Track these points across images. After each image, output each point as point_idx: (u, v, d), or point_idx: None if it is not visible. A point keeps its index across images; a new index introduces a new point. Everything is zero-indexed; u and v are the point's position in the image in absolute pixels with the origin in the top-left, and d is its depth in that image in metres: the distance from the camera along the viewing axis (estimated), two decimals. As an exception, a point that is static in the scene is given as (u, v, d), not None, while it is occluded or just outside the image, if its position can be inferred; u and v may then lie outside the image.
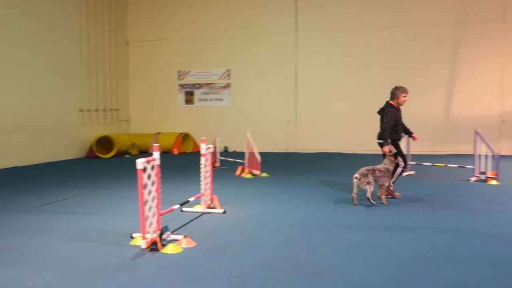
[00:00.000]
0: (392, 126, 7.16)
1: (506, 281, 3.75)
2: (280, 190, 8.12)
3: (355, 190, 6.78)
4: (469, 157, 10.49)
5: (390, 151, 7.04)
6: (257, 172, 9.78)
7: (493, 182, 8.60)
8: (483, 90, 14.14)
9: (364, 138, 14.60)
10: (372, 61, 14.95)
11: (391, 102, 7.36)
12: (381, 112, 7.36)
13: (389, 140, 7.13)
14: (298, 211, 6.42)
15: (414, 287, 3.63)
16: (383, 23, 14.79)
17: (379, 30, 14.83)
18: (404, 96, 7.30)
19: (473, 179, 8.94)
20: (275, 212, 6.36)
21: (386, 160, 6.96)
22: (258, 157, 9.68)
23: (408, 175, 9.73)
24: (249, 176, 9.64)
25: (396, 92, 7.31)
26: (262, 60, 15.91)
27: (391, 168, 6.94)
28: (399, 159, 7.09)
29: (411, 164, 10.22)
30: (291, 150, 15.72)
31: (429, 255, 4.39)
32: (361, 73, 15.05)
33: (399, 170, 7.22)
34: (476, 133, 9.00)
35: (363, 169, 6.80)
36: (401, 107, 7.47)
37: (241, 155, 12.10)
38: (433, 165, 10.50)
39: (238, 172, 9.97)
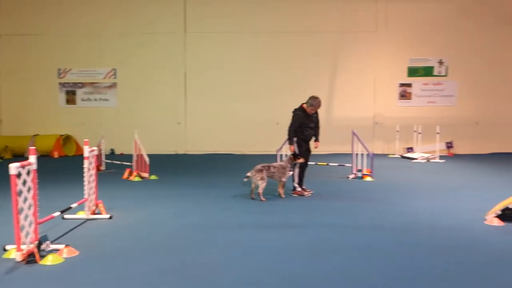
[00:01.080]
0: (298, 127, 7.61)
1: (384, 269, 4.10)
2: (170, 192, 7.99)
3: (252, 185, 7.18)
4: (348, 156, 11.28)
5: (295, 152, 7.46)
6: (145, 174, 9.51)
7: (368, 178, 9.36)
8: (359, 94, 15.35)
9: (252, 139, 15.02)
10: (261, 65, 15.41)
11: (304, 106, 7.78)
12: (293, 112, 7.83)
13: (294, 139, 7.56)
14: (189, 213, 6.37)
15: (301, 279, 3.80)
16: (272, 29, 15.31)
17: (268, 35, 15.33)
18: (311, 110, 7.71)
19: (351, 176, 9.65)
20: (165, 215, 6.24)
21: (287, 158, 7.44)
22: (147, 159, 9.42)
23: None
24: (137, 179, 9.34)
25: (310, 101, 7.73)
26: (151, 60, 15.53)
27: (287, 165, 7.35)
28: (301, 160, 7.49)
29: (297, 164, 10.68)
30: (180, 151, 15.56)
31: (315, 249, 4.64)
32: (250, 76, 15.43)
33: (297, 170, 7.62)
34: (353, 133, 9.74)
35: (258, 166, 7.17)
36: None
37: (129, 157, 11.67)
38: (316, 164, 11.11)
39: (125, 175, 9.60)
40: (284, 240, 4.95)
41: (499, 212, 5.83)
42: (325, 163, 11.20)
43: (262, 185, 7.03)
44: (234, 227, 5.57)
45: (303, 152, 7.67)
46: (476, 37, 15.20)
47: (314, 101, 7.70)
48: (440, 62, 15.40)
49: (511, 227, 5.55)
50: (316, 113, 7.86)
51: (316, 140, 7.93)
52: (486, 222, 5.76)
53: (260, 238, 5.05)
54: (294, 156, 7.46)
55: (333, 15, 15.37)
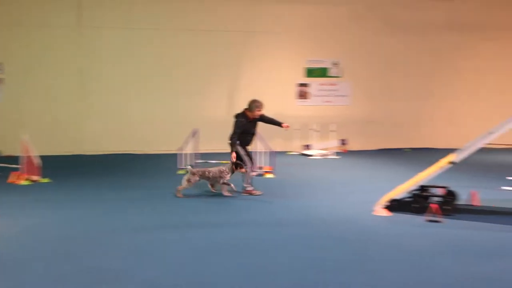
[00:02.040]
0: (241, 133, 7.60)
1: (294, 264, 4.22)
2: (63, 196, 7.50)
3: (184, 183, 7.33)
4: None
5: (236, 160, 7.44)
6: (36, 177, 8.84)
7: (270, 175, 9.61)
8: (261, 93, 15.61)
9: (153, 138, 14.66)
10: (162, 63, 15.04)
11: (247, 112, 7.74)
12: (235, 117, 7.77)
13: (238, 147, 7.54)
14: (83, 218, 6.04)
15: (205, 279, 3.79)
16: (173, 26, 15.01)
17: (170, 32, 15.01)
18: (258, 111, 7.71)
19: (253, 173, 9.82)
20: (57, 221, 5.85)
21: (227, 165, 7.41)
22: (37, 160, 8.76)
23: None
24: (26, 182, 8.64)
25: (252, 105, 7.71)
26: (43, 55, 14.41)
27: (225, 169, 7.36)
28: (243, 170, 7.49)
29: (200, 163, 10.65)
30: (77, 152, 14.68)
31: (220, 248, 4.65)
32: (151, 73, 14.99)
33: (245, 170, 7.59)
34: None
35: (194, 170, 7.37)
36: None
37: (16, 159, 10.77)
38: (220, 162, 11.13)
39: (12, 178, 8.83)
40: (186, 241, 4.90)
41: (387, 203, 6.32)
42: (226, 161, 11.26)
43: (185, 185, 7.20)
44: (137, 229, 5.39)
45: (242, 157, 7.68)
46: (367, 41, 16.27)
47: (257, 103, 7.74)
48: (335, 64, 16.26)
49: (398, 217, 6.04)
50: (261, 117, 7.87)
51: (281, 125, 8.01)
52: (374, 213, 6.21)
53: (168, 240, 4.95)
54: (236, 165, 7.43)
55: (235, 15, 15.51)
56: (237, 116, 7.81)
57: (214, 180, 7.36)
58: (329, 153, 13.89)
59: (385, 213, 6.19)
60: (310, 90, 16.11)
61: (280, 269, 4.06)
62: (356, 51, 16.26)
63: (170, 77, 15.01)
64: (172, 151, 11.21)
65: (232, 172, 7.45)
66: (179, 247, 4.66)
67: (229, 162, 7.54)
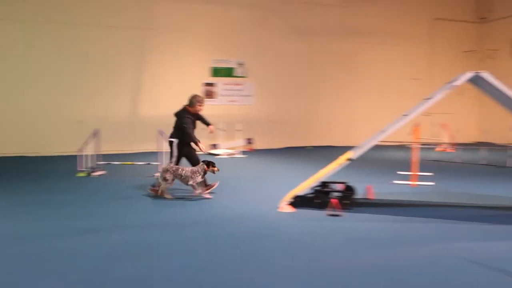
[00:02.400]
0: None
1: (196, 264, 4.16)
2: None
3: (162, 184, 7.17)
4: (155, 155, 11.20)
5: (210, 162, 7.26)
6: None
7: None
8: (166, 92, 15.36)
9: (52, 139, 13.72)
10: (60, 59, 14.10)
11: (189, 108, 7.52)
12: (178, 116, 7.52)
13: (196, 139, 7.43)
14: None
15: (117, 283, 3.61)
16: (70, 19, 14.11)
17: (67, 26, 14.09)
18: (200, 106, 7.55)
19: (157, 174, 9.58)
20: None
21: (200, 165, 7.16)
22: None
23: (100, 174, 9.67)
24: None
25: (193, 100, 7.55)
26: None
27: (198, 170, 7.09)
28: (217, 169, 7.33)
29: (101, 164, 10.16)
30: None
31: (124, 252, 4.46)
32: (46, 70, 13.98)
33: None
34: (160, 132, 9.71)
35: (167, 166, 7.20)
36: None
37: None
38: (122, 164, 10.75)
39: None
40: (80, 248, 4.64)
41: (291, 200, 6.52)
42: (132, 163, 10.92)
43: (164, 184, 7.06)
44: (15, 239, 4.99)
45: (194, 154, 7.56)
46: (271, 43, 16.70)
47: (198, 97, 7.60)
48: (240, 64, 16.46)
49: (301, 213, 6.26)
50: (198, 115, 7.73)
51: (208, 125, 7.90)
52: (279, 210, 6.38)
53: (51, 248, 4.63)
54: (208, 164, 7.19)
55: (138, 11, 15.03)
56: (180, 114, 7.61)
57: (185, 179, 7.11)
58: (236, 152, 14.03)
59: (290, 209, 6.38)
60: (216, 89, 16.14)
61: (180, 271, 4.00)
62: (260, 52, 16.61)
63: (67, 74, 14.14)
64: (71, 152, 10.57)
65: (205, 173, 7.22)
66: (71, 255, 4.39)
67: (201, 163, 7.26)
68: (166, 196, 7.18)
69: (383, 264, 4.22)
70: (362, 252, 4.59)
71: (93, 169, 9.78)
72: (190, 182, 7.10)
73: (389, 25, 18.38)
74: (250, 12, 16.38)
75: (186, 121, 7.46)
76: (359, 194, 6.94)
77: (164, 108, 15.25)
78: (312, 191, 6.64)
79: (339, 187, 6.76)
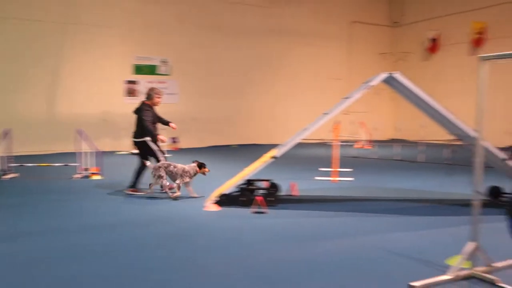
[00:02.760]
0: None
1: (122, 264, 4.01)
2: None
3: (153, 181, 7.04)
4: (74, 155, 10.71)
5: (201, 163, 7.10)
6: None
7: (97, 177, 9.09)
8: (85, 90, 14.68)
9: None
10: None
11: (147, 102, 7.39)
12: (138, 111, 7.38)
13: (155, 133, 7.27)
14: None
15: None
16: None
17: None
18: (158, 97, 7.43)
19: (77, 176, 9.18)
20: None
21: (192, 165, 6.99)
22: None
23: (12, 177, 9.06)
24: None
25: (151, 93, 7.46)
26: None
27: (189, 171, 6.97)
28: (208, 170, 7.20)
29: (13, 166, 9.50)
30: None
31: (44, 257, 4.21)
32: None
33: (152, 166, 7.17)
34: (79, 132, 9.28)
35: (157, 164, 7.03)
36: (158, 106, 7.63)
37: None
38: (37, 165, 10.13)
39: None
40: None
41: (217, 199, 6.51)
42: (47, 164, 10.32)
43: (162, 182, 6.89)
44: None
45: (156, 152, 7.29)
46: (196, 41, 16.56)
47: (156, 90, 7.49)
48: (164, 62, 16.16)
49: (227, 211, 6.28)
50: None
51: (168, 124, 7.75)
52: (205, 209, 6.35)
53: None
54: (200, 166, 7.03)
55: (56, 5, 14.22)
56: (139, 109, 7.43)
57: (174, 177, 6.97)
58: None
59: (215, 208, 6.37)
60: (139, 87, 15.71)
61: (106, 274, 3.86)
62: (184, 51, 16.42)
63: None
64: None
65: (195, 174, 7.07)
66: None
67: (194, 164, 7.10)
68: (175, 195, 6.99)
69: (310, 258, 4.35)
70: (288, 247, 4.69)
71: (4, 172, 9.14)
72: (178, 181, 7.03)
73: (311, 27, 18.98)
74: (174, 9, 16.13)
75: (146, 114, 7.36)
76: (283, 191, 7.09)
77: (83, 107, 14.64)
78: (237, 189, 6.68)
79: (264, 184, 6.87)
